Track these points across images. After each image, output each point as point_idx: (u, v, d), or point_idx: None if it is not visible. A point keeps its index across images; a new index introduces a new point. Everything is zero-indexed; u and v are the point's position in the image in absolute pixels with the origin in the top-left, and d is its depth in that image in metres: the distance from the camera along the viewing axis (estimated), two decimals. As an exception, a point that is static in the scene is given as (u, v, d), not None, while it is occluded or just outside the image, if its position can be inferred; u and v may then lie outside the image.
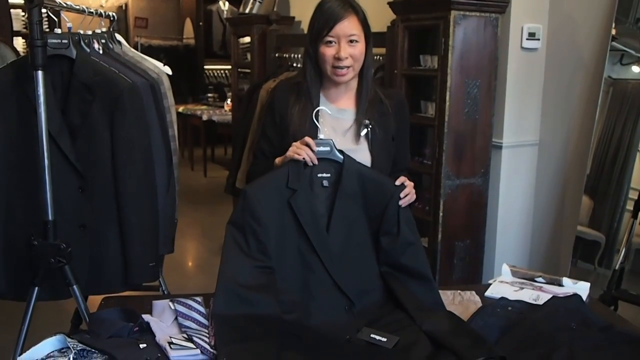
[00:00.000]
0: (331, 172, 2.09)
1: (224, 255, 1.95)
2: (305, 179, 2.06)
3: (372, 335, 1.82)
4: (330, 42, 2.20)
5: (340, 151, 2.10)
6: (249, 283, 1.91)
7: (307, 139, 2.08)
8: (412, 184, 2.15)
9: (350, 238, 2.06)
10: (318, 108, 2.16)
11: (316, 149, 2.07)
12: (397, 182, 2.11)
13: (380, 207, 2.06)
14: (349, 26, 2.19)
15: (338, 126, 2.29)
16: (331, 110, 2.30)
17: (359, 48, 2.22)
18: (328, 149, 2.08)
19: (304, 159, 2.05)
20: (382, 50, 3.89)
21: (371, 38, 2.27)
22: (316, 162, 2.07)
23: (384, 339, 1.80)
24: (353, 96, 2.34)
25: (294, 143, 2.11)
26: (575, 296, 2.08)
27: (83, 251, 2.54)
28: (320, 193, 2.09)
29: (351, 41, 2.20)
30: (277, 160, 2.20)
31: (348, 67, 2.21)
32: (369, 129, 2.29)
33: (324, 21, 2.20)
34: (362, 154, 2.25)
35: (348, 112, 2.32)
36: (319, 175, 2.09)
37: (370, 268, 2.06)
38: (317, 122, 2.12)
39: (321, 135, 2.10)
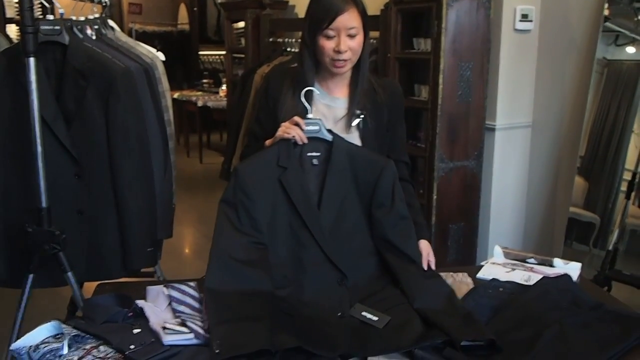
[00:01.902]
0: (321, 151, 2.10)
1: (217, 231, 1.97)
2: (295, 158, 2.07)
3: (364, 314, 1.83)
4: (330, 35, 2.18)
5: (329, 130, 2.11)
6: (242, 258, 1.92)
7: (296, 118, 2.09)
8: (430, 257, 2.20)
9: (342, 214, 2.07)
10: (307, 88, 2.15)
11: (305, 128, 2.08)
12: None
13: (371, 182, 2.07)
14: (349, 19, 2.16)
15: (330, 114, 2.29)
16: (324, 98, 2.30)
17: (358, 40, 2.20)
18: (317, 127, 2.09)
19: (293, 137, 2.06)
20: (376, 34, 3.89)
21: (369, 27, 2.26)
22: (305, 140, 2.08)
23: (376, 318, 1.81)
24: (347, 85, 2.33)
25: (283, 123, 2.12)
26: (565, 276, 2.10)
27: (81, 237, 2.56)
28: (310, 171, 2.10)
29: (350, 34, 2.19)
30: (267, 142, 2.20)
31: (347, 60, 2.20)
32: (360, 119, 2.29)
33: (324, 13, 2.16)
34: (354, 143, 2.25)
35: (340, 101, 2.32)
36: (309, 154, 2.10)
37: (363, 243, 2.07)
38: (306, 102, 2.12)
39: (310, 115, 2.11)
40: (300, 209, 2.02)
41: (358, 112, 2.29)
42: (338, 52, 2.17)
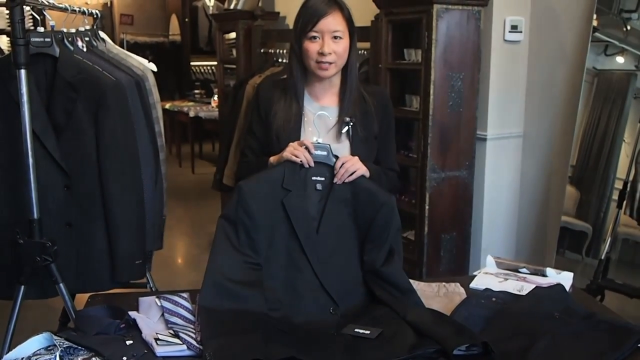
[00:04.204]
0: (325, 176, 2.11)
1: (214, 248, 1.97)
2: (299, 181, 2.07)
3: (356, 330, 1.83)
4: (315, 37, 2.21)
5: (336, 156, 2.12)
6: (237, 278, 1.92)
7: (306, 141, 2.11)
8: (353, 158, 2.14)
9: (338, 242, 2.07)
10: (319, 113, 2.22)
11: (313, 152, 2.09)
12: (338, 163, 2.12)
13: (369, 215, 2.07)
14: (333, 22, 2.20)
15: (321, 123, 2.30)
16: (314, 108, 2.31)
17: (343, 45, 2.23)
18: (325, 153, 2.11)
19: (301, 161, 2.07)
20: (367, 45, 3.90)
21: (356, 36, 2.28)
22: (312, 164, 2.09)
23: (368, 332, 1.81)
24: (336, 93, 2.35)
25: (291, 144, 2.13)
26: (558, 286, 2.10)
27: (69, 249, 2.54)
28: (313, 196, 2.11)
29: (335, 37, 2.21)
30: (272, 159, 2.21)
31: (331, 62, 2.22)
32: (350, 127, 2.30)
33: (308, 17, 2.22)
34: (343, 152, 2.25)
35: (331, 110, 2.33)
36: (313, 178, 2.11)
37: (355, 273, 2.07)
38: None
39: (320, 140, 2.13)
40: (300, 234, 2.03)
41: (347, 119, 2.30)
42: (322, 54, 2.20)
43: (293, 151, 2.10)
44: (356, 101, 2.34)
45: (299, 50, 2.26)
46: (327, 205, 2.08)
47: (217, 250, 1.97)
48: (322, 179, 2.11)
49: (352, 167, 2.11)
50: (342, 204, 2.09)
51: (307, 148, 2.10)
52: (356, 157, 2.15)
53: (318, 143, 2.12)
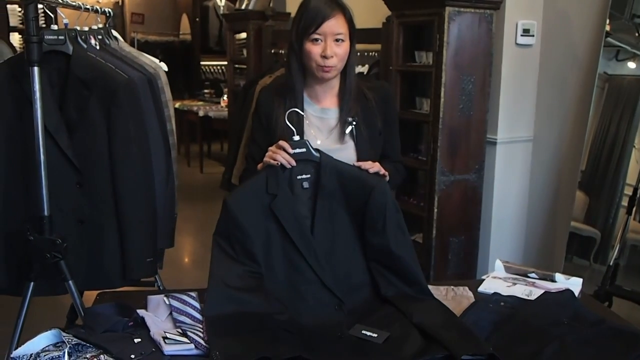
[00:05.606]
0: (310, 173, 2.08)
1: (213, 263, 1.95)
2: (284, 183, 2.05)
3: (364, 332, 1.83)
4: (317, 39, 2.19)
5: (317, 150, 2.09)
6: (239, 285, 1.91)
7: (282, 143, 2.07)
8: (375, 164, 2.18)
9: (335, 236, 2.05)
10: (290, 110, 2.15)
11: (292, 151, 2.06)
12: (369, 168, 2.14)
13: (361, 201, 2.04)
14: (336, 25, 2.18)
15: (323, 126, 2.30)
16: (315, 111, 2.30)
17: (344, 48, 2.21)
18: (304, 150, 2.07)
19: (279, 163, 2.05)
20: (378, 47, 3.90)
21: (355, 36, 2.26)
22: (294, 163, 2.06)
23: (375, 335, 1.81)
24: (336, 94, 2.33)
25: (270, 148, 2.10)
26: (567, 291, 2.10)
27: (81, 246, 2.55)
28: (301, 195, 2.08)
29: (337, 40, 2.19)
30: (259, 166, 2.20)
31: (333, 66, 2.21)
32: (353, 126, 2.29)
33: (311, 18, 2.18)
34: (348, 152, 2.25)
35: (332, 112, 2.32)
36: (299, 177, 2.08)
37: (358, 264, 2.06)
38: (290, 124, 2.11)
39: (296, 137, 2.09)
40: (294, 236, 2.00)
41: (350, 119, 2.29)
42: (324, 57, 2.18)
43: (271, 155, 2.07)
44: (357, 99, 2.32)
45: (299, 50, 2.23)
46: (317, 202, 2.05)
47: (217, 263, 1.96)
48: (308, 176, 2.08)
49: (377, 167, 2.15)
50: (332, 197, 2.06)
51: (284, 149, 2.06)
52: (377, 163, 2.17)
53: (295, 141, 2.08)
